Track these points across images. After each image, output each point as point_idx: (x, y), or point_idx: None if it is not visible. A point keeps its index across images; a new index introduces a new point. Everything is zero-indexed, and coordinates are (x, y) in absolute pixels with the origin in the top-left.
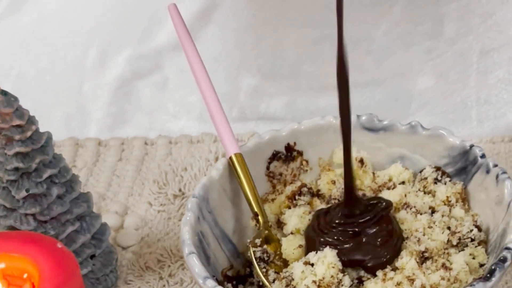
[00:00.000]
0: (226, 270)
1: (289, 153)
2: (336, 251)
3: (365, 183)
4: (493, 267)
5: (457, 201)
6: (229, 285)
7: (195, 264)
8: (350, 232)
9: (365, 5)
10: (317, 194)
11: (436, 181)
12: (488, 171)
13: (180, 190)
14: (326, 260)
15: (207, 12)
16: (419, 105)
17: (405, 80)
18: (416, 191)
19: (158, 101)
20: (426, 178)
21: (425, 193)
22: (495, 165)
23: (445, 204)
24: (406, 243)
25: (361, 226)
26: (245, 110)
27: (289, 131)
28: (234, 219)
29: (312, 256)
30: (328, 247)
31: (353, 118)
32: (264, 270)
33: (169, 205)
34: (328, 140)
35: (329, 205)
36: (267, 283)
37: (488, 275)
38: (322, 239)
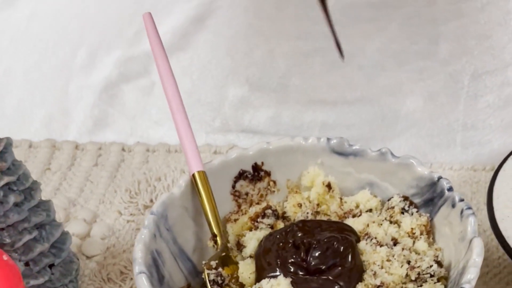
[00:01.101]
0: None
1: (256, 173)
2: (290, 279)
3: (331, 209)
4: None
5: (421, 234)
6: None
7: (143, 285)
8: (308, 268)
9: (361, 19)
10: (282, 216)
11: (403, 211)
12: (453, 205)
13: (151, 200)
14: None
15: (202, 17)
16: (405, 126)
17: (394, 99)
18: (383, 220)
19: (142, 107)
20: (393, 207)
21: (391, 222)
22: (461, 200)
23: (409, 236)
24: (363, 275)
25: (320, 264)
26: (229, 121)
27: (257, 151)
28: (195, 238)
29: (265, 283)
30: (282, 275)
31: (323, 141)
32: None
33: (138, 216)
34: (297, 161)
35: (283, 229)
36: None
37: None
38: (277, 269)
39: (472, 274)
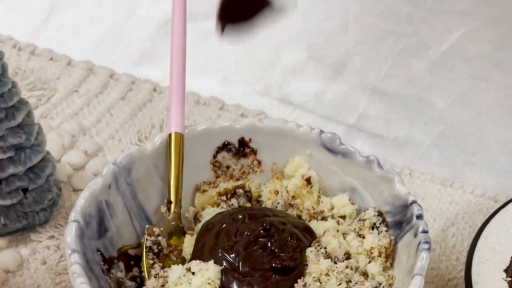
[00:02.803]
0: (128, 248)
1: (242, 148)
2: (222, 268)
3: (305, 205)
4: None
5: (379, 255)
6: (121, 263)
7: (69, 234)
8: (239, 268)
9: (451, 10)
10: (256, 200)
11: (374, 226)
12: (415, 235)
13: None
14: (207, 274)
15: None
16: (445, 137)
17: (447, 105)
18: (352, 230)
19: (194, 51)
20: (364, 220)
21: (359, 235)
22: (424, 231)
23: (367, 255)
24: (294, 284)
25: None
26: (272, 86)
27: (246, 125)
28: (160, 199)
29: (194, 265)
30: (213, 261)
31: (315, 132)
32: (151, 261)
33: None
34: (286, 147)
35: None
36: (145, 276)
37: None
38: (208, 255)
39: None
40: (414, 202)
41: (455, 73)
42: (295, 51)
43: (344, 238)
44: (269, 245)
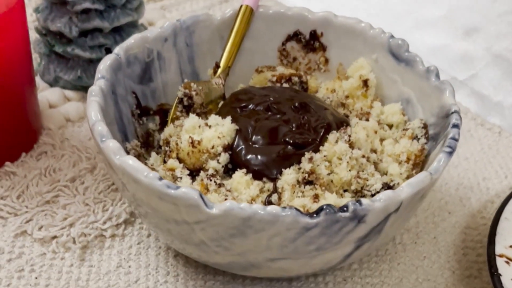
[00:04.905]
0: (170, 107)
1: (312, 41)
2: (237, 128)
3: (355, 106)
4: (323, 207)
5: (407, 161)
6: (157, 117)
7: (104, 62)
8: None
9: None
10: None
11: (415, 137)
12: (444, 142)
13: None
14: (221, 129)
15: None
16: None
17: None
18: (393, 139)
19: None
20: (407, 129)
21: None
22: (454, 139)
23: (395, 159)
24: (302, 158)
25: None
26: (394, 31)
27: (321, 18)
28: None
29: (213, 119)
30: (230, 118)
31: (385, 36)
32: (179, 113)
33: None
34: (355, 48)
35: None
36: (169, 121)
37: (315, 214)
38: (234, 115)
39: (382, 196)
40: (455, 112)
41: None
42: (433, 7)
43: (381, 143)
44: (291, 120)
